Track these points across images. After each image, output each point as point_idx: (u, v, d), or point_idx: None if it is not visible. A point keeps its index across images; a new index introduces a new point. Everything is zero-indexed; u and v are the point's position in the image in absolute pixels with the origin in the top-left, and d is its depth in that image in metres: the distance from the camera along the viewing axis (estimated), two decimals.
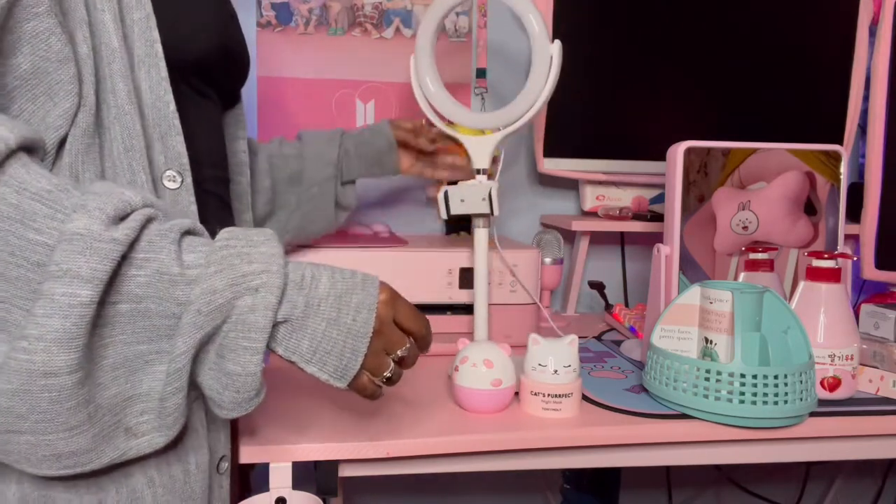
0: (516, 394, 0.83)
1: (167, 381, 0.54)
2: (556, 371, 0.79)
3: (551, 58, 0.90)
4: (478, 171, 0.96)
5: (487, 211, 0.94)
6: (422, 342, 0.65)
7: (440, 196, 0.95)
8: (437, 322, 1.07)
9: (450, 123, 0.98)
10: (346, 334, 0.57)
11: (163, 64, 0.62)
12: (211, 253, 0.53)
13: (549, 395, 0.79)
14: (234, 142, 0.86)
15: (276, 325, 0.55)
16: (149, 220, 0.52)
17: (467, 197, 0.94)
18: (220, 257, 0.53)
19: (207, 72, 0.72)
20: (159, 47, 0.61)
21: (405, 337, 0.63)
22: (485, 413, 0.80)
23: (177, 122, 0.62)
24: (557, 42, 0.90)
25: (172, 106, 0.62)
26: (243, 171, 0.86)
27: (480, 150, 0.95)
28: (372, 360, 0.60)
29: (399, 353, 0.62)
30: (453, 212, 0.95)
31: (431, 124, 0.99)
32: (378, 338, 0.60)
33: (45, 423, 0.49)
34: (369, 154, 1.03)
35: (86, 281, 0.47)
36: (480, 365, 0.80)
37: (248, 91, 1.34)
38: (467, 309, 1.10)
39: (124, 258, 0.50)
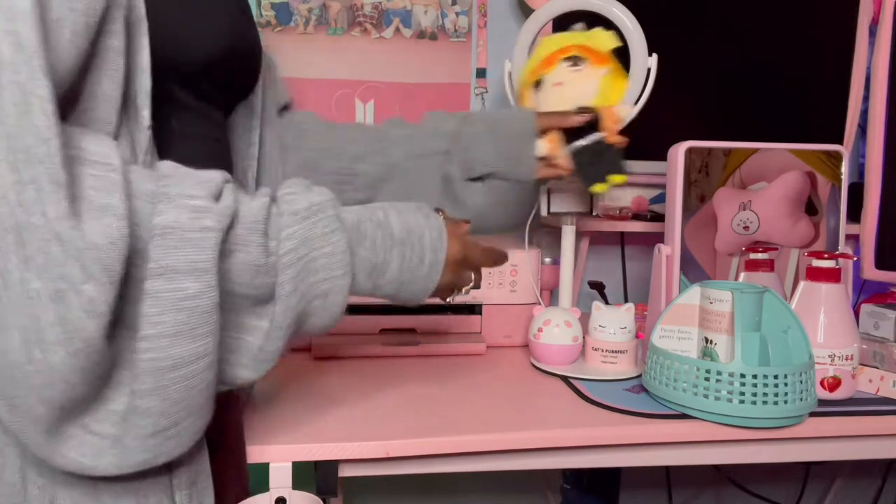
0: None
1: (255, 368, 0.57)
2: (613, 332, 0.94)
3: (649, 70, 0.96)
4: None
5: (587, 210, 1.01)
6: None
7: (542, 194, 1.00)
8: (437, 322, 1.08)
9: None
10: (403, 302, 0.66)
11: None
12: (280, 267, 0.55)
13: (607, 350, 0.94)
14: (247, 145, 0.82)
15: None
16: (236, 203, 0.53)
17: (566, 196, 1.00)
18: (290, 276, 0.55)
19: (216, 76, 0.69)
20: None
21: (471, 275, 0.72)
22: (563, 364, 0.97)
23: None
24: (654, 56, 0.96)
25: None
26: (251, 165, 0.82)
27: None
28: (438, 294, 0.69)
29: (464, 289, 0.72)
30: (553, 210, 1.01)
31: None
32: (437, 293, 0.68)
33: (186, 412, 0.51)
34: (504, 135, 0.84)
35: (186, 273, 0.48)
36: (563, 326, 0.96)
37: None
38: (467, 309, 1.10)
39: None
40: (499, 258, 0.75)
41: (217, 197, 0.51)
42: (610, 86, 0.89)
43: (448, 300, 0.71)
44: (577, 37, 0.92)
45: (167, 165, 0.52)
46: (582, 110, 0.85)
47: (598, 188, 0.85)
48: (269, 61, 0.82)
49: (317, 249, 0.56)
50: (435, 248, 0.65)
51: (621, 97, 0.90)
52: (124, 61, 0.53)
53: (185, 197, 0.49)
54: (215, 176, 0.53)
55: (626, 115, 0.88)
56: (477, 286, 0.73)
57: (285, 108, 0.87)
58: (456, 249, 0.68)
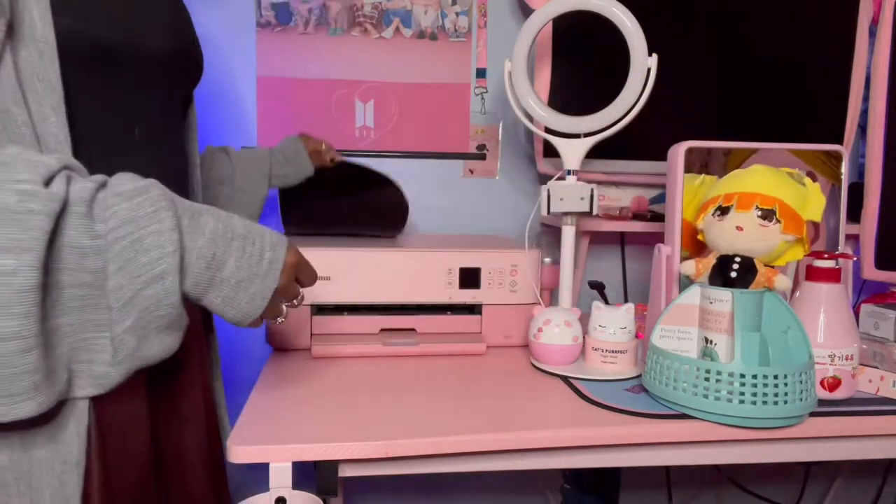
0: None
1: (114, 353, 0.58)
2: (613, 332, 0.94)
3: (648, 70, 0.97)
4: (569, 173, 1.03)
5: (587, 210, 1.00)
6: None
7: (542, 193, 1.01)
8: (437, 322, 1.08)
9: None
10: (240, 313, 0.65)
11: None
12: (107, 247, 0.56)
13: (607, 350, 0.94)
14: (189, 143, 0.89)
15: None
16: (69, 183, 0.55)
17: (566, 196, 1.00)
18: (115, 253, 0.56)
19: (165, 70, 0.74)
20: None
21: (297, 288, 0.72)
22: (563, 364, 0.97)
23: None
24: (654, 56, 0.96)
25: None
26: (195, 171, 0.90)
27: (572, 153, 1.02)
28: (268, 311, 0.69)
29: (295, 302, 0.73)
30: (553, 210, 1.01)
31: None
32: (271, 302, 0.68)
33: None
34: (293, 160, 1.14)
35: (6, 250, 0.50)
36: (563, 326, 0.96)
37: (248, 91, 1.35)
38: (467, 309, 1.10)
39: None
40: (315, 278, 0.75)
41: (47, 182, 0.53)
42: (784, 253, 0.83)
43: (278, 320, 0.72)
44: (788, 189, 0.83)
45: (8, 152, 0.54)
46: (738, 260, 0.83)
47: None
48: None
49: (143, 228, 0.57)
50: (275, 246, 0.66)
51: (786, 262, 0.85)
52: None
53: (13, 182, 0.51)
54: (49, 162, 0.54)
55: (783, 287, 0.82)
56: (299, 303, 0.74)
57: None
58: (293, 254, 0.69)
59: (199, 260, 0.61)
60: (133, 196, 0.57)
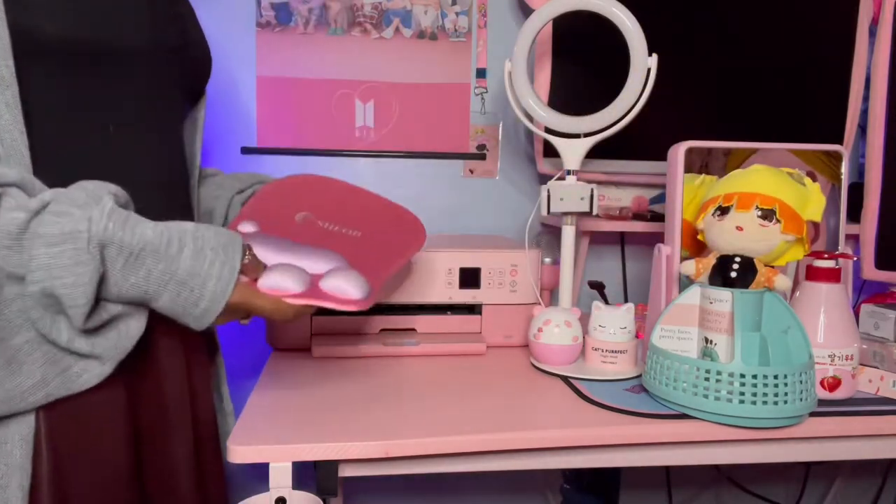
0: None
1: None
2: (613, 332, 0.94)
3: (648, 70, 0.97)
4: (569, 173, 1.03)
5: (587, 210, 1.00)
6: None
7: (543, 193, 1.00)
8: (437, 322, 1.08)
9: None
10: (194, 321, 0.67)
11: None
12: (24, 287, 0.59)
13: (607, 350, 0.94)
14: (191, 138, 0.89)
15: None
16: None
17: (566, 196, 1.00)
18: (30, 293, 0.59)
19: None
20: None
21: (248, 315, 0.73)
22: (563, 364, 0.97)
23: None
24: (654, 56, 0.97)
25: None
26: (194, 170, 0.89)
27: (572, 153, 1.02)
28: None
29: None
30: (553, 210, 1.01)
31: None
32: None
33: None
34: None
35: None
36: (563, 326, 0.96)
37: (248, 91, 1.35)
38: (467, 309, 1.10)
39: None
40: (271, 305, 0.72)
41: None
42: (784, 253, 0.83)
43: (243, 322, 0.74)
44: (788, 189, 0.83)
45: None
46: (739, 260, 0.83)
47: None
48: None
49: (58, 279, 0.58)
50: (214, 299, 0.66)
51: (786, 262, 0.85)
52: None
53: None
54: None
55: (783, 287, 0.82)
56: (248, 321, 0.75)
57: None
58: (240, 294, 0.69)
59: (131, 290, 0.63)
60: (56, 242, 0.58)
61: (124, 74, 0.72)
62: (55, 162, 0.65)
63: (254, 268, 0.71)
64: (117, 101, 0.72)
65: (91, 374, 0.65)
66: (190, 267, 0.65)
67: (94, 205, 0.60)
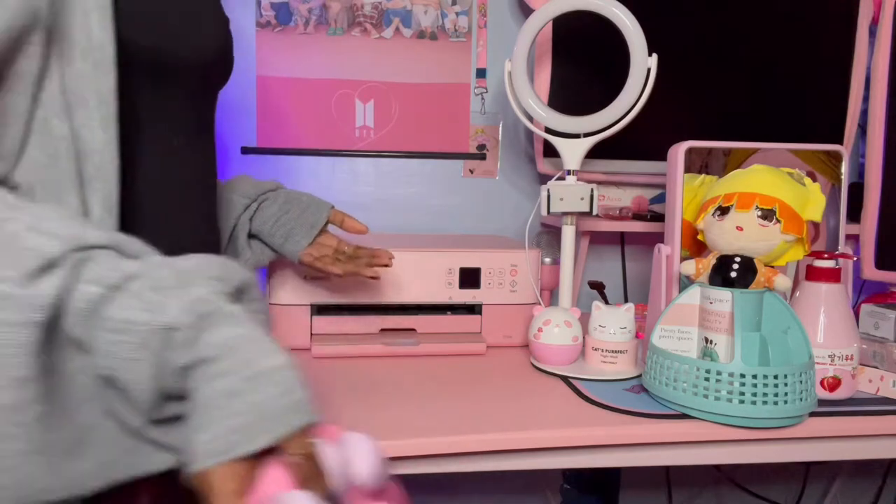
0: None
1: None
2: (613, 332, 0.94)
3: (648, 70, 0.97)
4: (569, 173, 1.03)
5: (587, 210, 1.00)
6: None
7: (543, 193, 1.01)
8: (437, 322, 1.08)
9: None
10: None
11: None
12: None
13: (607, 350, 0.94)
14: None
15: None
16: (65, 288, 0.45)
17: (566, 196, 1.00)
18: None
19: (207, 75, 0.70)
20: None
21: None
22: (563, 364, 0.97)
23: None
24: (654, 56, 0.97)
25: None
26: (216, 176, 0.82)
27: (572, 152, 1.02)
28: None
29: None
30: (553, 210, 1.01)
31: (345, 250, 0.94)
32: None
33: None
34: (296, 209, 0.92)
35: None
36: (563, 326, 0.97)
37: (248, 91, 1.35)
38: (467, 309, 1.10)
39: None
40: None
41: (33, 276, 0.43)
42: (784, 253, 0.83)
43: None
44: (788, 189, 0.83)
45: (10, 229, 0.45)
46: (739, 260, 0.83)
47: None
48: None
49: (116, 371, 0.48)
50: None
51: (786, 262, 0.85)
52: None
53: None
54: (42, 245, 0.44)
55: (783, 287, 0.82)
56: None
57: None
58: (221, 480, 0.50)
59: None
60: (118, 329, 0.47)
61: (191, 84, 0.69)
62: (131, 178, 0.60)
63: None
64: (184, 112, 0.69)
65: (162, 457, 0.53)
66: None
67: (177, 290, 0.49)
